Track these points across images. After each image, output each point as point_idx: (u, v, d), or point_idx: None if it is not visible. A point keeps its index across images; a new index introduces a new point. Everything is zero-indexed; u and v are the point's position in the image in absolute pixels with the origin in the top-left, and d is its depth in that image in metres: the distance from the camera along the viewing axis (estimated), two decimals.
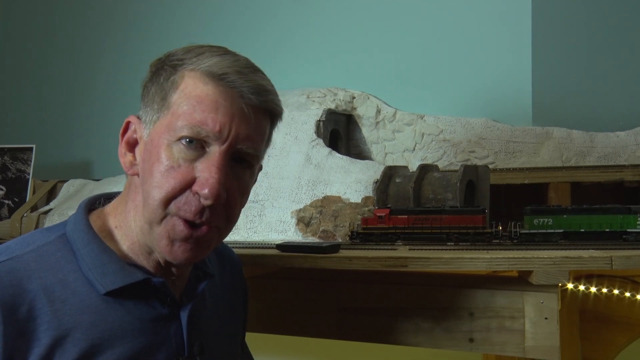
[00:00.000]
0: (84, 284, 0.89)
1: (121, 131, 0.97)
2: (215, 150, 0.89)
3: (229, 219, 0.93)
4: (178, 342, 0.95)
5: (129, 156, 0.96)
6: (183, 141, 0.88)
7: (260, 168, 1.02)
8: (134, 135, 0.95)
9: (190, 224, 0.89)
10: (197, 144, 0.89)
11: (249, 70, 0.93)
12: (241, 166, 0.93)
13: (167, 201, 0.88)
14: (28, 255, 0.90)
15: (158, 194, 0.88)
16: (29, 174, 2.31)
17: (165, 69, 0.93)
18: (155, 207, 0.89)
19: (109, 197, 1.01)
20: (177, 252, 0.90)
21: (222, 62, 0.91)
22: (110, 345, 0.88)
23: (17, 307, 0.84)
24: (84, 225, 0.94)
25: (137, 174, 0.94)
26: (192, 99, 0.89)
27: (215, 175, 0.87)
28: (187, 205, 0.88)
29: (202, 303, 1.01)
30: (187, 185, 0.88)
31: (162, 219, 0.89)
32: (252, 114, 0.91)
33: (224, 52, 0.93)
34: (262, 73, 0.96)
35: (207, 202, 0.87)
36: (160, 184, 0.88)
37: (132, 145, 0.96)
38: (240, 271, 1.20)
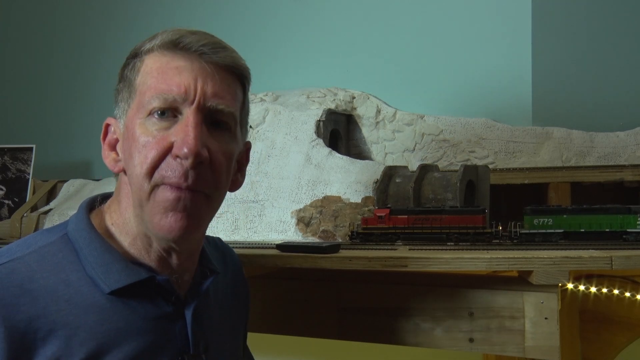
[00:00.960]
0: (88, 283, 0.89)
1: (102, 136, 0.98)
2: (186, 113, 0.90)
3: (217, 185, 0.93)
4: (183, 340, 0.95)
5: (112, 155, 0.97)
6: (155, 115, 0.90)
7: (249, 146, 1.03)
8: (114, 136, 0.97)
9: (177, 188, 0.89)
10: (169, 114, 0.90)
11: (203, 32, 0.94)
12: (219, 129, 0.93)
13: (150, 172, 0.89)
14: (30, 256, 0.89)
15: (140, 168, 0.89)
16: (29, 174, 2.31)
17: (127, 63, 0.96)
18: (141, 182, 0.89)
19: (105, 197, 1.01)
20: (171, 223, 0.89)
21: (175, 31, 0.93)
22: (116, 344, 0.88)
23: (20, 308, 0.84)
24: (85, 224, 0.94)
25: (123, 170, 0.94)
26: (154, 72, 0.91)
27: (190, 133, 0.88)
28: (170, 170, 0.88)
29: (206, 301, 1.01)
30: (166, 151, 0.89)
31: (149, 194, 0.89)
32: (215, 71, 0.92)
33: (182, 31, 0.95)
34: (223, 41, 0.97)
35: (189, 162, 0.87)
36: (141, 159, 0.89)
37: (113, 146, 0.97)
38: (241, 271, 1.20)
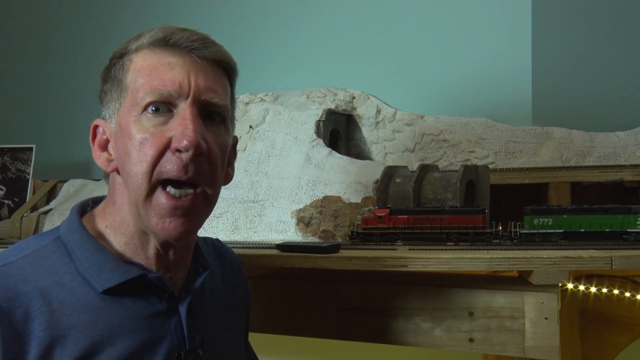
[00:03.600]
0: (81, 283, 0.90)
1: (90, 137, 0.98)
2: (182, 107, 0.90)
3: (214, 178, 0.94)
4: (179, 336, 0.95)
5: (104, 155, 0.97)
6: (149, 110, 0.90)
7: (236, 140, 1.04)
8: (104, 137, 0.97)
9: (174, 196, 0.89)
10: (164, 109, 0.90)
11: (190, 29, 0.94)
12: (213, 122, 0.94)
13: (151, 170, 0.89)
14: (23, 260, 0.90)
15: (139, 168, 0.89)
16: (29, 174, 2.31)
17: (113, 64, 0.96)
18: (140, 182, 0.89)
19: (96, 201, 1.02)
20: (170, 228, 0.90)
21: (164, 29, 0.93)
22: (110, 342, 0.88)
23: (14, 310, 0.84)
24: (77, 226, 0.95)
25: (116, 170, 0.94)
26: (146, 69, 0.91)
27: (189, 126, 0.88)
28: (169, 164, 0.89)
29: (201, 296, 1.02)
30: (164, 147, 0.89)
31: (147, 196, 0.90)
32: (207, 65, 0.93)
33: (168, 28, 0.95)
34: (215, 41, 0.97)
35: (189, 154, 0.88)
36: (139, 158, 0.89)
37: (104, 146, 0.97)
38: (240, 271, 1.21)
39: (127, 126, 0.91)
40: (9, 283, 0.86)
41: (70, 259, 0.92)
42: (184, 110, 0.90)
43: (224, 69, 0.97)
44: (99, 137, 0.97)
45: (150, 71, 0.91)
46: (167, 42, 0.92)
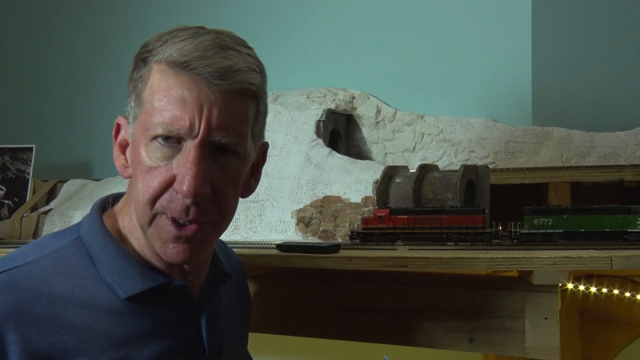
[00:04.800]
0: (103, 288, 0.88)
1: (113, 133, 0.96)
2: (189, 145, 0.86)
3: (223, 213, 0.90)
4: (199, 343, 0.94)
5: (122, 159, 0.95)
6: (158, 140, 0.86)
7: (267, 146, 1.00)
8: (124, 137, 0.94)
9: (178, 222, 0.87)
10: (173, 141, 0.86)
11: (214, 51, 0.86)
12: (225, 154, 0.89)
13: (152, 201, 0.87)
14: (44, 260, 0.88)
15: (142, 195, 0.87)
16: (29, 174, 2.31)
17: (137, 63, 0.91)
18: (142, 209, 0.88)
19: (117, 197, 1.00)
20: (172, 253, 0.89)
21: (185, 48, 0.86)
22: (135, 348, 0.87)
23: (37, 311, 0.83)
24: (99, 227, 0.93)
25: (131, 177, 0.92)
26: (160, 94, 0.86)
27: (190, 172, 0.84)
28: (172, 203, 0.86)
29: (219, 303, 1.01)
30: (168, 183, 0.86)
31: (151, 220, 0.88)
32: (223, 99, 0.86)
33: (192, 34, 0.88)
34: (234, 49, 0.89)
35: (187, 201, 0.85)
36: (144, 185, 0.87)
37: (124, 147, 0.95)
38: (244, 273, 1.20)
39: (138, 147, 0.88)
40: (30, 283, 0.85)
41: (92, 262, 0.90)
42: (190, 151, 0.85)
43: (247, 95, 0.90)
44: (121, 135, 0.95)
45: (164, 97, 0.86)
46: (184, 68, 0.85)
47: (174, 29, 0.90)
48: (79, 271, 0.89)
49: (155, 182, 0.86)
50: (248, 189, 0.99)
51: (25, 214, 2.11)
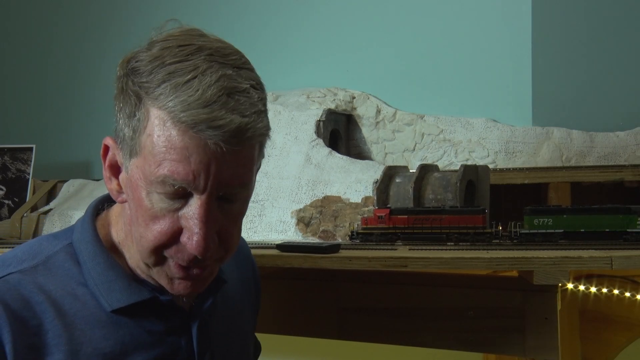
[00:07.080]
0: (92, 297, 0.88)
1: (102, 153, 0.90)
2: (195, 201, 0.81)
3: (228, 250, 0.89)
4: (189, 353, 0.94)
5: (115, 183, 0.90)
6: (162, 194, 0.82)
7: (259, 166, 0.97)
8: (115, 159, 0.89)
9: (182, 266, 0.86)
10: (178, 190, 0.81)
11: (221, 104, 0.78)
12: (230, 202, 0.85)
13: (158, 250, 0.85)
14: (36, 268, 0.88)
15: (147, 243, 0.84)
16: (29, 174, 2.31)
17: (129, 95, 0.84)
18: (148, 255, 0.86)
19: (112, 200, 0.97)
20: (179, 288, 0.88)
21: (189, 100, 0.78)
22: (122, 359, 0.87)
23: (27, 321, 0.83)
24: (91, 236, 0.92)
25: (126, 202, 0.89)
26: (160, 144, 0.79)
27: (200, 231, 0.81)
28: (179, 254, 0.84)
29: (213, 311, 1.00)
30: (175, 236, 0.83)
31: (156, 263, 0.87)
32: (232, 154, 0.80)
33: (191, 70, 0.80)
34: (240, 91, 0.81)
35: (198, 257, 0.83)
36: (147, 234, 0.84)
37: (115, 169, 0.89)
38: (249, 259, 1.18)
39: (138, 189, 0.83)
40: (23, 291, 0.84)
41: (81, 271, 0.89)
42: (197, 206, 0.81)
43: (255, 143, 0.86)
44: (110, 156, 0.89)
45: (165, 150, 0.79)
46: (191, 128, 0.78)
47: (167, 53, 0.82)
48: (70, 280, 0.88)
49: (160, 235, 0.83)
50: None
51: (25, 214, 2.11)
